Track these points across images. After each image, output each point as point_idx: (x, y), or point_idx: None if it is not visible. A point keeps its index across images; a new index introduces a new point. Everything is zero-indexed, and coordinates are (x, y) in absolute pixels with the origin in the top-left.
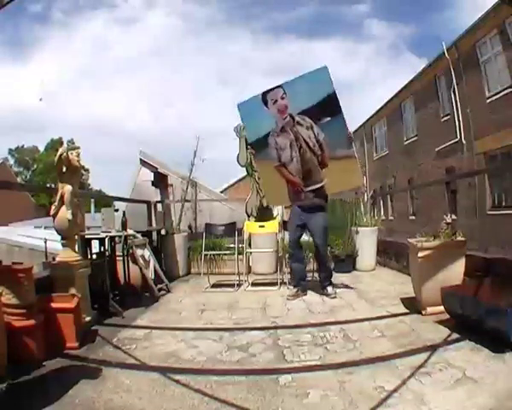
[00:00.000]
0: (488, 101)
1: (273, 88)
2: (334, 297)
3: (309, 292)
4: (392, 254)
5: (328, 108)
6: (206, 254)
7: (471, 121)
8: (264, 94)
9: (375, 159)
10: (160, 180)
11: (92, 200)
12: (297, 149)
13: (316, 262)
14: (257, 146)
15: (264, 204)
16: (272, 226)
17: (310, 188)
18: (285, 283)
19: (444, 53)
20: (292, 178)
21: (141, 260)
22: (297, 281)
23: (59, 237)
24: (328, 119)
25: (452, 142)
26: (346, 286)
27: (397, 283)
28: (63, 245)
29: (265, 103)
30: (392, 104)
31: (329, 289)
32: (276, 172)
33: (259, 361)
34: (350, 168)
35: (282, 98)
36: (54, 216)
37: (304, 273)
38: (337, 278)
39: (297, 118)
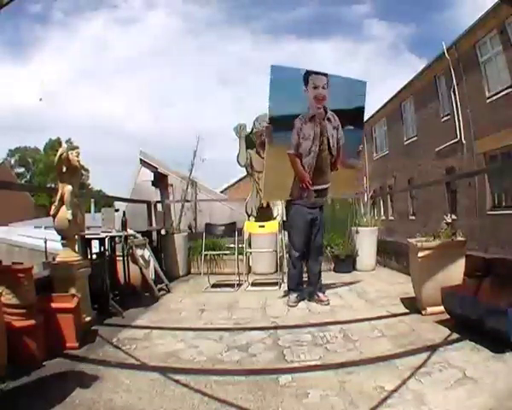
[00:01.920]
0: (488, 101)
1: (319, 72)
2: (328, 304)
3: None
4: (392, 254)
5: (353, 118)
6: (206, 254)
7: (471, 121)
8: (308, 73)
9: (375, 159)
10: (160, 180)
11: (92, 200)
12: (318, 143)
13: (308, 263)
14: (277, 123)
15: (264, 204)
16: (272, 226)
17: (317, 187)
18: (285, 283)
19: (444, 53)
20: (303, 171)
21: (141, 260)
22: (295, 286)
23: (59, 237)
24: (352, 128)
25: (452, 142)
26: (347, 285)
27: (397, 283)
28: (63, 245)
29: (305, 83)
30: (392, 104)
31: (321, 295)
32: (284, 161)
33: (259, 361)
34: (349, 178)
35: (324, 88)
36: (54, 216)
37: (302, 278)
38: (337, 278)
39: (329, 113)
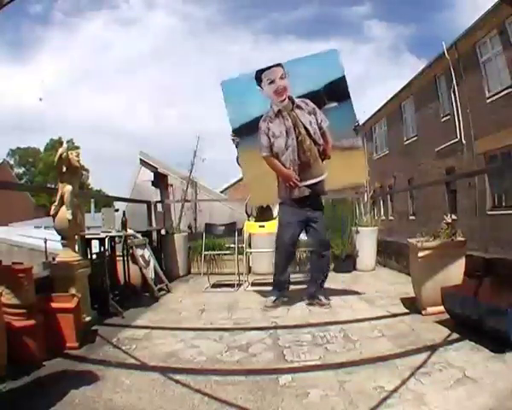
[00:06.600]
0: (488, 101)
1: (271, 66)
2: (329, 307)
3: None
4: (392, 254)
5: (335, 92)
6: (206, 254)
7: (471, 121)
8: (260, 72)
9: (375, 159)
10: (160, 180)
11: (92, 200)
12: (294, 136)
13: (311, 267)
14: (242, 132)
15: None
16: (272, 226)
17: (307, 183)
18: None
19: (444, 53)
20: (284, 170)
21: (141, 260)
22: (280, 288)
23: (59, 237)
24: (335, 104)
25: (452, 142)
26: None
27: (397, 283)
28: (63, 245)
29: (259, 82)
30: (392, 104)
31: (322, 298)
32: (263, 164)
33: (259, 361)
34: (354, 161)
35: (282, 78)
36: (54, 216)
37: (286, 280)
38: (337, 277)
39: (297, 101)
